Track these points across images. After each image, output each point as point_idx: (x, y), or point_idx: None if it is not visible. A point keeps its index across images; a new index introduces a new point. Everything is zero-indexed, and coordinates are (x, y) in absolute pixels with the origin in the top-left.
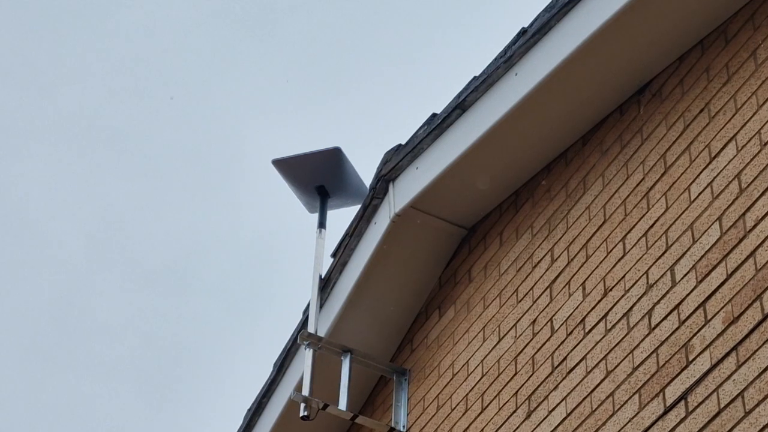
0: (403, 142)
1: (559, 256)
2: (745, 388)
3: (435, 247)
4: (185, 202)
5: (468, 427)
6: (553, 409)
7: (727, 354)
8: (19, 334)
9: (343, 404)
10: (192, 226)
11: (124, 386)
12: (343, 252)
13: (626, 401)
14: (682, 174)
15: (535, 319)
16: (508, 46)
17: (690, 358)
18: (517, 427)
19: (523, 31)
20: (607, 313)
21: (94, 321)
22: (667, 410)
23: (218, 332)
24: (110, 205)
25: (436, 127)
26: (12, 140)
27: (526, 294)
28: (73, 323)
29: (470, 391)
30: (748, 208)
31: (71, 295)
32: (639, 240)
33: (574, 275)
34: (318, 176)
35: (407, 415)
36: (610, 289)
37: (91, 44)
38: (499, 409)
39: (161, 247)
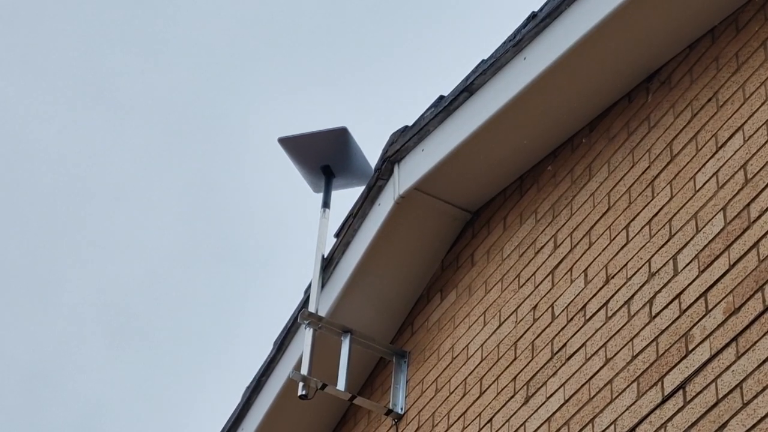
0: (410, 124)
1: (562, 242)
2: (744, 379)
3: (438, 230)
4: (196, 174)
5: (466, 411)
6: (551, 395)
7: (727, 345)
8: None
9: (341, 385)
10: (198, 202)
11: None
12: (347, 232)
13: (624, 389)
14: (688, 163)
15: (536, 304)
16: (518, 30)
17: (690, 348)
18: (515, 412)
19: (533, 15)
20: (608, 301)
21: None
22: (665, 399)
23: (219, 308)
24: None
25: (443, 109)
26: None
27: (528, 279)
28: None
29: (469, 374)
30: (753, 199)
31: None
32: (642, 228)
33: (576, 262)
34: (323, 156)
35: (405, 397)
36: (612, 277)
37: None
38: (498, 393)
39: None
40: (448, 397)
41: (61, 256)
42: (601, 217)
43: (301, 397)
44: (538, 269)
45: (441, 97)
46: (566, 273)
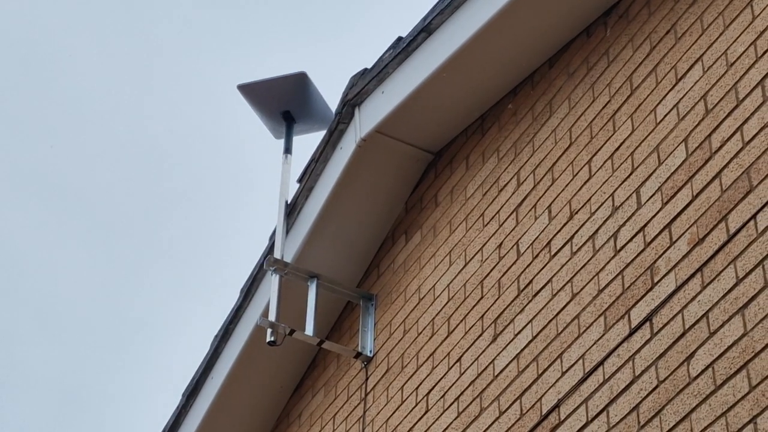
0: (369, 66)
1: (525, 180)
2: (710, 309)
3: (401, 172)
4: (159, 123)
5: (434, 351)
6: (519, 332)
7: (692, 275)
8: None
9: (309, 329)
10: (160, 150)
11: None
12: (309, 177)
13: (591, 324)
14: (648, 96)
15: (501, 242)
16: None
17: (655, 280)
18: (483, 351)
19: None
20: (572, 236)
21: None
22: (632, 332)
23: (184, 258)
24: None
25: (402, 50)
26: None
27: (492, 218)
28: None
29: (436, 315)
30: (714, 129)
31: None
32: (605, 162)
33: (540, 198)
34: (283, 101)
35: (374, 339)
36: (576, 212)
37: None
38: (465, 332)
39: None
40: (416, 338)
41: None
42: (563, 153)
43: (269, 343)
44: (501, 207)
45: (399, 39)
46: (530, 210)
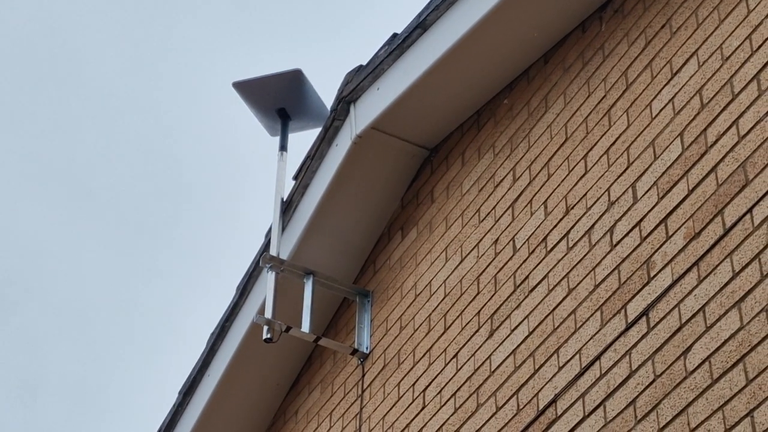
0: (364, 63)
1: (521, 175)
2: (707, 303)
3: (397, 168)
4: (155, 120)
5: (431, 347)
6: (516, 327)
7: (689, 269)
8: None
9: (306, 326)
10: (156, 148)
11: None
12: (305, 174)
13: (588, 318)
14: (643, 90)
15: (497, 238)
16: None
17: (651, 274)
18: (480, 346)
19: None
20: (568, 231)
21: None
22: (629, 326)
23: (180, 256)
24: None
25: (397, 47)
26: None
27: (488, 213)
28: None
29: (433, 311)
30: (710, 124)
31: None
32: (601, 157)
33: (536, 194)
34: (279, 99)
35: (370, 336)
36: (572, 207)
37: None
38: (462, 328)
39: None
40: (412, 334)
41: None
42: (558, 149)
43: (266, 340)
44: (497, 203)
45: (394, 35)
46: (526, 205)
